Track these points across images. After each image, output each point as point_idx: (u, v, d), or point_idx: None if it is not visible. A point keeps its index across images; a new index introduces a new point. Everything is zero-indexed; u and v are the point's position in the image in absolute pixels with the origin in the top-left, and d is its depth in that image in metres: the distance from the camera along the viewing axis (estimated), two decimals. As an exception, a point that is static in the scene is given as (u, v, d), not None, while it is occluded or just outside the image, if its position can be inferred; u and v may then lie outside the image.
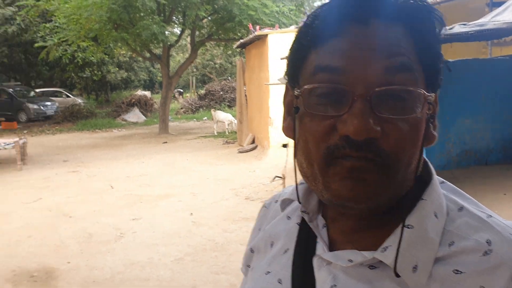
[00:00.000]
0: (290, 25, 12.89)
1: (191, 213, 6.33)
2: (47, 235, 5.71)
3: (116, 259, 4.86)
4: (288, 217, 0.75)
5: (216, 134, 15.27)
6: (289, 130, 0.65)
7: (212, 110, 16.62)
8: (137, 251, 5.07)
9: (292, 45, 0.63)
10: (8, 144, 10.42)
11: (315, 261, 0.65)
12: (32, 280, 4.40)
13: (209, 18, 15.74)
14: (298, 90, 0.60)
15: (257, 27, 11.55)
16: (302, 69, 0.61)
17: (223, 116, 15.49)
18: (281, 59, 8.04)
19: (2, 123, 20.53)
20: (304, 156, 0.60)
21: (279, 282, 0.68)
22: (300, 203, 0.69)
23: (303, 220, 0.70)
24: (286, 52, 0.68)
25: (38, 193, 7.93)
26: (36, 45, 17.56)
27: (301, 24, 0.63)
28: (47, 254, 5.05)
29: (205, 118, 20.57)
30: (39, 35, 18.84)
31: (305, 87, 0.58)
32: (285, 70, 0.65)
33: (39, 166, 10.66)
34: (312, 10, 0.62)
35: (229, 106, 21.94)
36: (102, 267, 4.63)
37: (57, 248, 5.25)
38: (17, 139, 10.93)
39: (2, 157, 11.49)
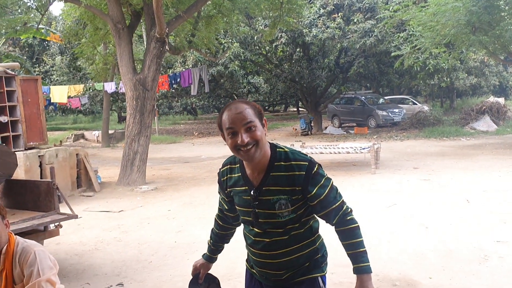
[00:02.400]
0: None
1: None
2: (405, 243, 5.71)
3: (482, 283, 4.38)
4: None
5: None
6: None
7: None
8: (506, 279, 4.45)
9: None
10: (364, 148, 11.19)
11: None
12: (396, 288, 4.42)
13: None
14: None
15: None
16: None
17: None
18: None
19: (354, 128, 22.50)
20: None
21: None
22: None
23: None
24: None
25: (392, 198, 8.14)
26: (393, 54, 18.42)
27: None
28: (407, 264, 5.01)
29: None
30: (393, 45, 19.69)
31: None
32: None
33: (391, 171, 11.02)
34: None
35: None
36: (467, 291, 4.24)
37: (416, 259, 5.15)
38: (371, 143, 11.62)
39: (357, 160, 12.45)
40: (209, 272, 2.49)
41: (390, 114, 22.80)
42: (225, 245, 2.56)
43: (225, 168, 2.27)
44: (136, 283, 4.91)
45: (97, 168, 11.30)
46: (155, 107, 11.83)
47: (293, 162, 2.05)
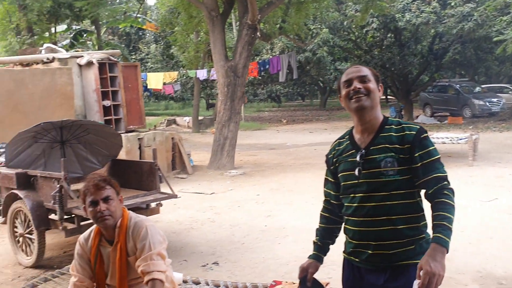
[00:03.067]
0: None
1: None
2: (508, 240, 5.35)
3: None
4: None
5: None
6: None
7: None
8: None
9: None
10: (461, 139, 10.58)
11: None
12: (501, 287, 4.17)
13: None
14: None
15: None
16: None
17: None
18: None
19: (448, 117, 21.34)
20: None
21: None
22: None
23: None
24: None
25: (492, 192, 7.64)
26: (495, 39, 17.16)
27: None
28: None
29: None
30: (494, 29, 18.32)
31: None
32: None
33: (490, 163, 10.34)
34: None
35: None
36: None
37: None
38: (469, 134, 10.96)
39: (452, 151, 11.82)
40: (315, 278, 2.43)
41: (487, 103, 21.30)
42: (331, 246, 2.45)
43: (333, 144, 2.33)
44: (230, 263, 5.08)
45: (190, 152, 11.77)
46: (245, 93, 12.04)
47: (404, 125, 2.13)
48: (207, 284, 3.36)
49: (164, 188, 5.57)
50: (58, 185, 4.62)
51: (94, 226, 2.69)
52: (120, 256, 2.59)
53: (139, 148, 9.71)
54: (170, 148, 10.54)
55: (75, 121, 5.66)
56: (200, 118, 23.26)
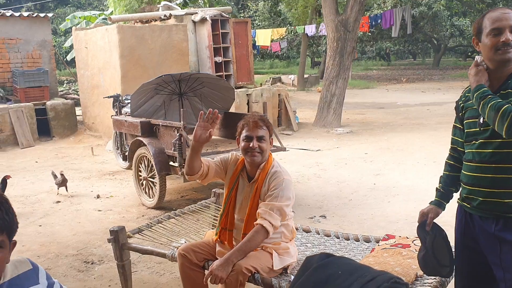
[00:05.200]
0: None
1: None
2: None
3: None
4: None
5: None
6: None
7: None
8: None
9: None
10: None
11: None
12: None
13: None
14: None
15: None
16: None
17: None
18: None
19: None
20: None
21: None
22: None
23: None
24: None
25: None
26: None
27: None
28: None
29: None
30: None
31: None
32: None
33: None
34: None
35: None
36: None
37: None
38: None
39: None
40: (436, 222, 2.39)
41: None
42: (454, 194, 2.42)
43: (464, 90, 2.28)
44: (337, 217, 5.10)
45: (296, 109, 11.82)
46: (355, 48, 11.65)
47: None
48: (318, 233, 3.42)
49: (273, 142, 5.69)
50: (177, 134, 4.93)
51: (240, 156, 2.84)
52: (255, 195, 2.72)
53: (247, 103, 9.95)
54: (277, 105, 10.67)
55: (192, 74, 5.93)
56: (305, 76, 23.11)
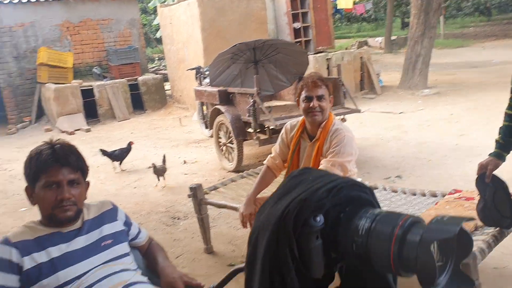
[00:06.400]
0: None
1: None
2: None
3: None
4: None
5: None
6: None
7: None
8: None
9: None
10: None
11: None
12: None
13: None
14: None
15: None
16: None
17: None
18: None
19: None
20: None
21: None
22: None
23: None
24: None
25: None
26: None
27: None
28: None
29: None
30: None
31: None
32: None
33: None
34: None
35: None
36: None
37: None
38: None
39: None
40: (495, 174, 2.36)
41: None
42: None
43: None
44: (414, 177, 5.06)
45: (380, 72, 11.51)
46: (442, 5, 11.00)
47: None
48: (385, 190, 3.46)
49: (348, 105, 5.72)
50: (252, 100, 5.15)
51: (301, 118, 2.93)
52: (317, 154, 2.80)
53: (327, 68, 9.91)
54: (359, 68, 10.49)
55: (266, 40, 6.09)
56: (393, 38, 22.16)
